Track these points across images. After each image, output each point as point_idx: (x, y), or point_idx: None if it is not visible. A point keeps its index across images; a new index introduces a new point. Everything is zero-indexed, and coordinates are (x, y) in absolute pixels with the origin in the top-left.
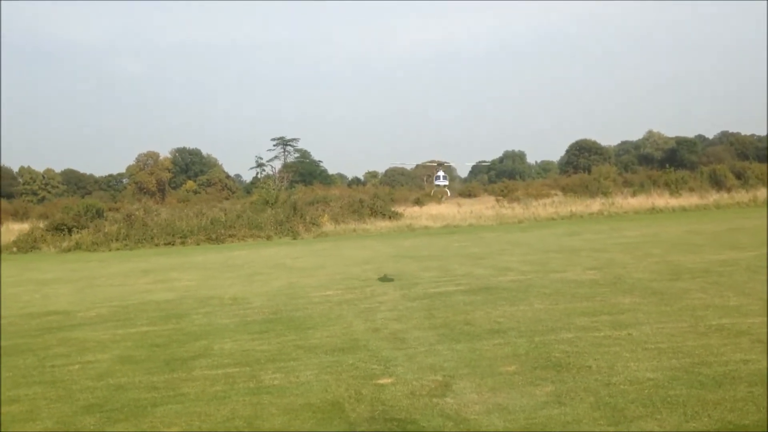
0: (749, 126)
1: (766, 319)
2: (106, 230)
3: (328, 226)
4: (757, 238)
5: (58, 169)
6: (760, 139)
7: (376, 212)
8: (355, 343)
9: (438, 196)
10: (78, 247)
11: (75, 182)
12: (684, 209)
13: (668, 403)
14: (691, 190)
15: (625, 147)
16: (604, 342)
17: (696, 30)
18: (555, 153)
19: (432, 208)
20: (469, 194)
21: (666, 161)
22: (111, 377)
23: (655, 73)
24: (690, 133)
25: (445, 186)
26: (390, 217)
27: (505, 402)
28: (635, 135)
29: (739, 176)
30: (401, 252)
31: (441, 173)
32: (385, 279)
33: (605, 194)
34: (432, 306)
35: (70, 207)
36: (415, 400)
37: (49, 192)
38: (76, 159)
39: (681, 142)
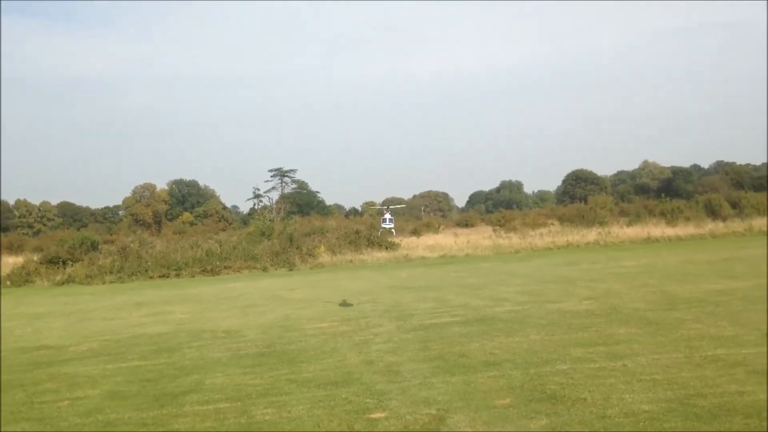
0: (744, 155)
1: (761, 349)
2: (100, 263)
3: (325, 257)
4: (753, 267)
5: (54, 202)
6: (755, 168)
7: (372, 243)
8: (348, 377)
9: (384, 238)
10: (71, 280)
11: (71, 215)
12: (680, 239)
13: None
14: (687, 219)
15: (621, 177)
16: (600, 373)
17: (689, 62)
18: (552, 183)
19: (429, 239)
20: (466, 224)
21: (662, 191)
22: (100, 413)
23: (651, 104)
24: (685, 163)
25: (391, 228)
26: (387, 248)
27: None
28: (631, 165)
29: (734, 206)
30: (398, 283)
31: (387, 216)
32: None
33: (602, 224)
34: (427, 338)
35: (64, 239)
36: None
37: (44, 225)
38: (72, 191)
39: (676, 171)
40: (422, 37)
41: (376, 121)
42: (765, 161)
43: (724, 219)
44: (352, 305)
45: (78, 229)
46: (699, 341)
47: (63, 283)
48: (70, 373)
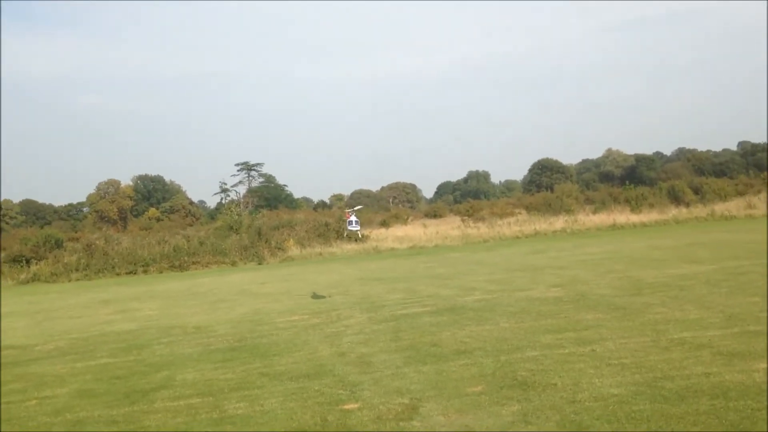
0: (705, 142)
1: (726, 331)
2: (65, 261)
3: (294, 251)
4: (716, 251)
5: (16, 200)
6: (716, 154)
7: (341, 235)
8: (320, 369)
9: (352, 238)
10: (36, 278)
11: (34, 212)
12: (644, 225)
13: (632, 419)
14: (651, 206)
15: (586, 165)
16: (569, 359)
17: (650, 53)
18: (518, 172)
19: (398, 230)
20: (434, 215)
21: (626, 178)
22: (69, 412)
23: (614, 93)
24: (648, 150)
25: (357, 230)
26: (356, 240)
27: (471, 423)
28: (595, 153)
29: (696, 191)
30: (367, 275)
31: (353, 218)
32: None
33: (568, 212)
34: (398, 328)
35: (28, 238)
36: (382, 424)
37: (6, 223)
38: (35, 189)
39: (640, 159)
40: (383, 34)
41: (342, 114)
42: (725, 147)
43: (687, 205)
44: (324, 297)
45: (41, 227)
46: (665, 325)
47: (28, 282)
48: (37, 373)
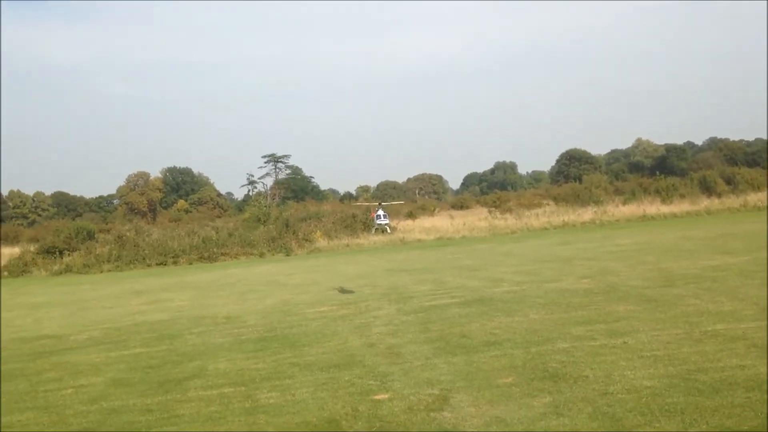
0: (737, 131)
1: (760, 323)
2: (97, 252)
3: (321, 242)
4: (749, 242)
5: (47, 192)
6: (748, 144)
7: (368, 227)
8: (350, 359)
9: (380, 232)
10: (69, 269)
11: (65, 204)
12: (675, 216)
13: (666, 411)
14: (682, 196)
15: (615, 155)
16: (600, 351)
17: (681, 40)
18: (546, 163)
19: (425, 221)
20: (461, 206)
21: (656, 168)
22: (104, 401)
23: (643, 82)
24: (679, 140)
25: (386, 224)
26: (383, 231)
27: (503, 414)
28: (625, 143)
29: (729, 182)
30: (395, 266)
31: (381, 212)
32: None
33: (597, 203)
34: (427, 319)
35: (60, 230)
36: (413, 415)
37: (39, 215)
38: (66, 181)
39: (670, 149)
40: (411, 20)
41: (368, 105)
42: (758, 137)
43: (719, 195)
44: (352, 292)
45: (73, 219)
46: (698, 317)
47: (61, 273)
48: (72, 362)
